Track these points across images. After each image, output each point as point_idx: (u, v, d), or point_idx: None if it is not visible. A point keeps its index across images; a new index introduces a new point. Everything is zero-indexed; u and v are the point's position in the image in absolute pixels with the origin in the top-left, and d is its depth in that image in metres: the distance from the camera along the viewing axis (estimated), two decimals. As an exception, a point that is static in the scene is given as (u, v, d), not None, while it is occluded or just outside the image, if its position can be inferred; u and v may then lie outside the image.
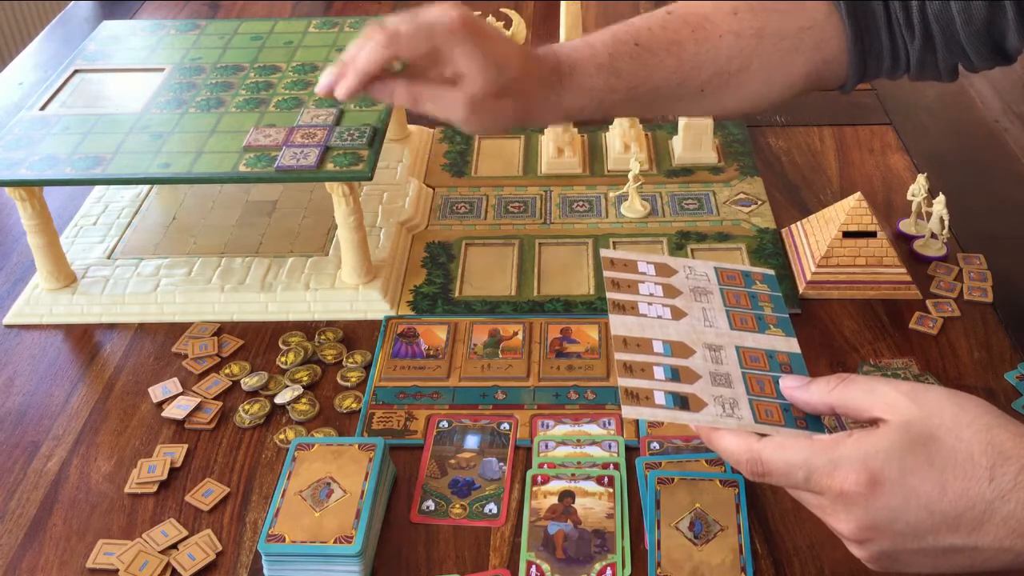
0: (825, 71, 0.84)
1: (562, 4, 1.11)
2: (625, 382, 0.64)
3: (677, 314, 0.70)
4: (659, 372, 0.65)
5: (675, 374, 0.65)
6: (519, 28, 1.19)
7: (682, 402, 0.63)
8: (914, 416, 0.57)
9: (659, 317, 0.69)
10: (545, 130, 1.16)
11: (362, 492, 0.72)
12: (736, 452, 0.61)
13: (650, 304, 0.70)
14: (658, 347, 0.67)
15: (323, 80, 0.76)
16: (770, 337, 0.69)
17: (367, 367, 0.89)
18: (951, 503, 0.55)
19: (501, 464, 0.79)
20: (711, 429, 0.62)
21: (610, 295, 0.70)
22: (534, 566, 0.71)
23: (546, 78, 0.79)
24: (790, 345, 0.69)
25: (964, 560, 0.57)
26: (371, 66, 0.74)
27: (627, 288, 0.71)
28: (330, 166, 0.88)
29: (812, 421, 0.63)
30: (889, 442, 0.56)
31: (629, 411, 0.62)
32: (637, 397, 0.63)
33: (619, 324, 0.68)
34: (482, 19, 0.80)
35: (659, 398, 0.63)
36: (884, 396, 0.59)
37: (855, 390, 0.60)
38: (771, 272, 0.76)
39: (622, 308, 0.69)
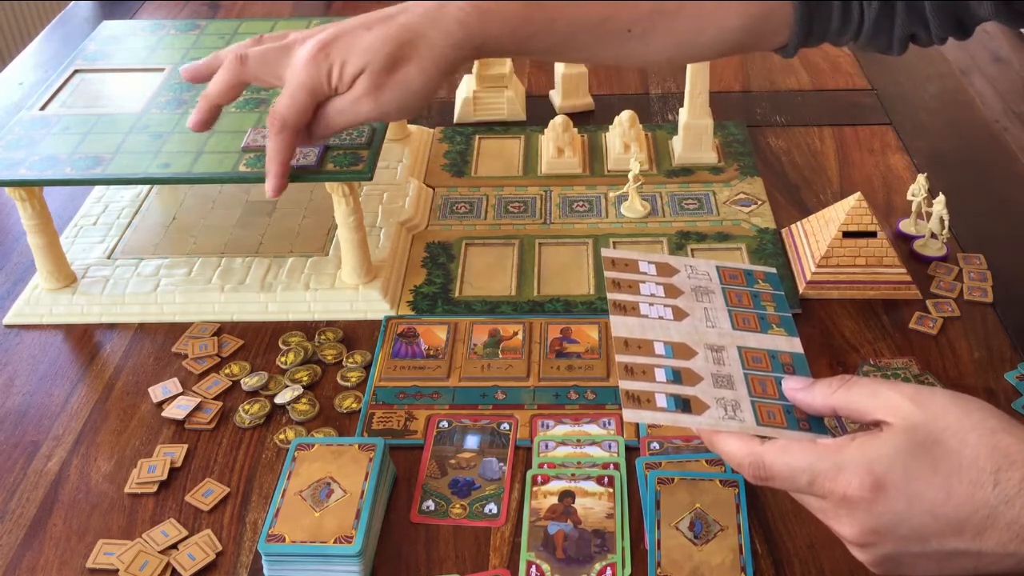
0: (765, 26, 0.79)
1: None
2: (626, 384, 0.63)
3: (679, 315, 0.69)
4: (660, 374, 0.65)
5: (677, 376, 0.65)
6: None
7: (684, 404, 0.63)
8: (918, 420, 0.57)
9: (660, 318, 0.69)
10: (545, 130, 1.16)
11: (362, 492, 0.72)
12: (738, 455, 0.61)
13: (651, 305, 0.70)
14: (659, 348, 0.66)
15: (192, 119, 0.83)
16: (773, 337, 0.69)
17: (367, 367, 0.89)
18: (955, 508, 0.55)
19: (501, 464, 0.79)
20: (713, 432, 0.62)
21: (611, 295, 0.70)
22: (534, 566, 0.71)
23: (440, 20, 0.75)
24: (792, 345, 0.69)
25: (968, 564, 0.57)
26: (221, 96, 0.79)
27: (628, 288, 0.71)
28: (330, 166, 0.88)
29: (815, 423, 0.63)
30: (893, 446, 0.56)
31: (630, 414, 0.62)
32: (638, 400, 0.63)
33: (620, 325, 0.68)
34: (340, 23, 0.78)
35: (660, 400, 0.63)
36: (888, 399, 0.58)
37: (858, 392, 0.60)
38: (773, 271, 0.76)
39: (623, 309, 0.69)
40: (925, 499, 0.55)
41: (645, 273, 0.72)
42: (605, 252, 0.73)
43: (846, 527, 0.58)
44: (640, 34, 0.79)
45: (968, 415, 0.57)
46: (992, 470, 0.55)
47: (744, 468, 0.60)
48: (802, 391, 0.63)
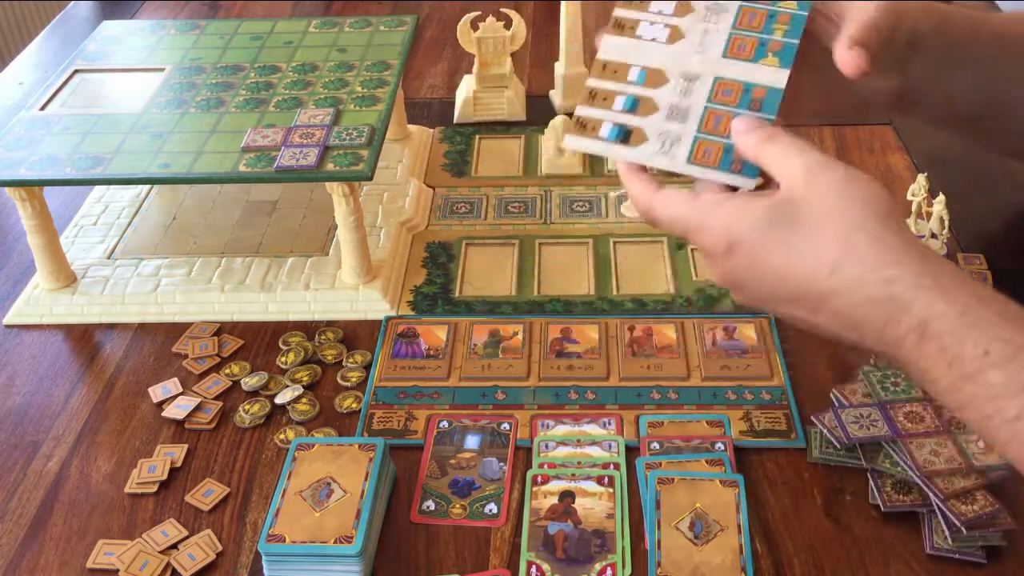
0: None
1: (562, 4, 1.12)
2: (581, 111, 0.66)
3: (673, 36, 0.69)
4: (619, 102, 0.67)
5: (634, 105, 0.66)
6: (519, 28, 1.19)
7: (624, 136, 0.65)
8: (796, 195, 0.60)
9: (653, 39, 0.69)
10: (545, 130, 1.16)
11: (362, 492, 0.72)
12: (637, 196, 0.66)
13: (652, 24, 0.70)
14: (633, 75, 0.68)
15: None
16: (759, 67, 0.67)
17: (367, 367, 0.89)
18: (794, 284, 0.60)
19: (501, 464, 0.79)
20: (629, 170, 0.66)
21: (617, 12, 0.71)
22: (534, 566, 0.71)
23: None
24: (776, 78, 0.67)
25: (812, 321, 0.62)
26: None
27: (638, 7, 0.71)
28: (330, 166, 0.88)
29: (747, 167, 0.64)
30: (755, 216, 0.60)
31: (571, 140, 0.65)
32: (584, 127, 0.66)
33: (608, 46, 0.69)
34: None
35: (604, 130, 0.66)
36: (788, 167, 0.61)
37: (772, 151, 0.63)
38: None
39: (621, 27, 0.70)
40: (767, 269, 0.60)
41: None
42: None
43: (710, 269, 0.65)
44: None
45: (840, 202, 0.59)
46: (830, 261, 0.58)
47: (639, 208, 0.67)
48: (742, 135, 0.64)
